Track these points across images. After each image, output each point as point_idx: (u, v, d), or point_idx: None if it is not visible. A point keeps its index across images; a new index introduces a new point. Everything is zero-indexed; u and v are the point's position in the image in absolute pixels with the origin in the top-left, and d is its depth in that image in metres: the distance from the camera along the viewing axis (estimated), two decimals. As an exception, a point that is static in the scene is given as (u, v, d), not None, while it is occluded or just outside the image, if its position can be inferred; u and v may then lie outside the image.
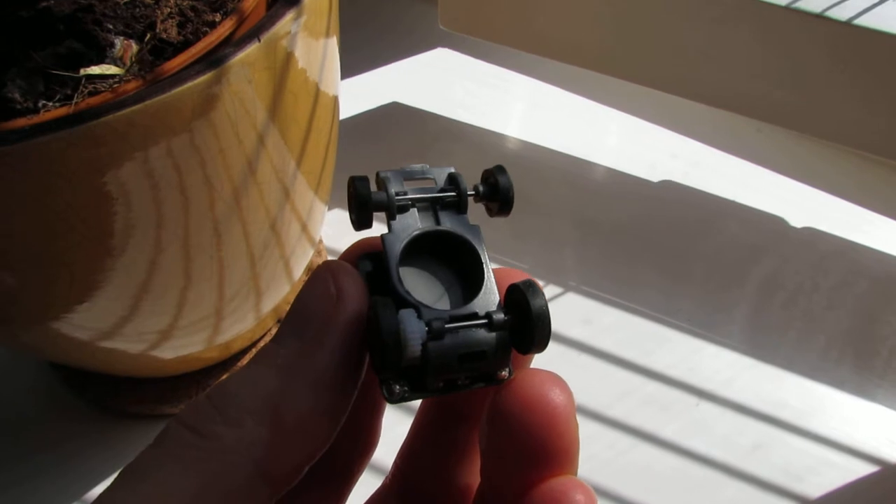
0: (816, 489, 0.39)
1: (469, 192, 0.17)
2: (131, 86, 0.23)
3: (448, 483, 0.18)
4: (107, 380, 0.40)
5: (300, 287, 0.16)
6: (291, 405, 0.14)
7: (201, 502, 0.13)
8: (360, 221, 0.16)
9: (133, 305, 0.30)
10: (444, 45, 0.63)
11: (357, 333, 0.15)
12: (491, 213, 0.17)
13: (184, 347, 0.35)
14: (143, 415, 0.40)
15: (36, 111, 0.22)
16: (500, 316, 0.15)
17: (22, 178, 0.22)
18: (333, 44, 0.32)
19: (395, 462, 0.19)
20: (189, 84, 0.22)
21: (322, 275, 0.15)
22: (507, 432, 0.14)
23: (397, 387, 0.15)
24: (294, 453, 0.14)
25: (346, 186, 0.16)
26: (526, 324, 0.15)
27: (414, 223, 0.16)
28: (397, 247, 0.16)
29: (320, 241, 0.47)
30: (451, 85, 0.61)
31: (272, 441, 0.14)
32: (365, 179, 0.16)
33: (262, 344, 0.42)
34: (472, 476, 0.18)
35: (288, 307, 0.15)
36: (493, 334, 0.15)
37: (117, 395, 0.40)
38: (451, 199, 0.16)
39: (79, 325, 0.30)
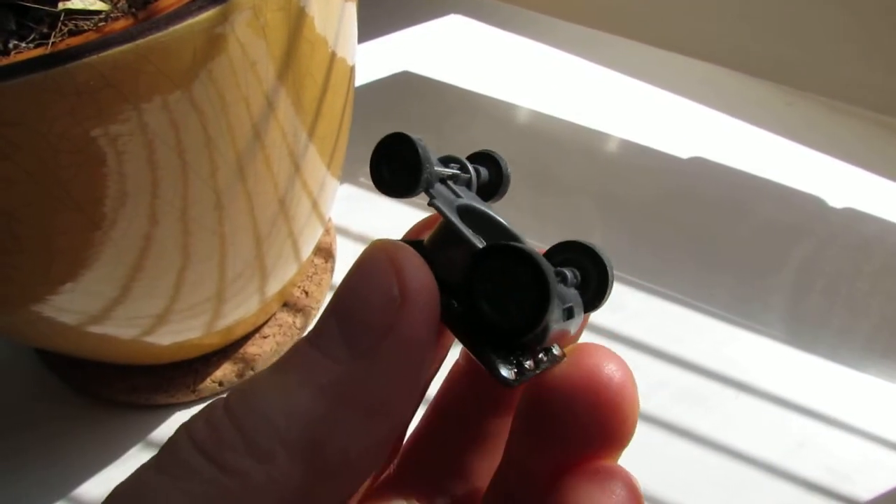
0: (866, 491, 0.37)
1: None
2: (120, 24, 0.19)
3: (458, 471, 0.16)
4: (96, 366, 0.37)
5: (347, 271, 0.12)
6: (337, 440, 0.11)
7: None
8: (410, 186, 0.14)
9: (125, 286, 0.27)
10: (456, 12, 0.60)
11: (428, 340, 0.12)
12: (485, 197, 0.17)
13: (181, 333, 0.33)
14: (135, 405, 0.37)
15: (6, 53, 0.19)
16: (572, 272, 0.14)
17: (-12, 132, 0.18)
18: (352, 7, 0.29)
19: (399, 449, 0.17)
20: (189, 22, 0.19)
21: (379, 264, 0.12)
22: (564, 408, 0.13)
23: (505, 368, 0.12)
24: (333, 496, 0.11)
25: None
26: (593, 277, 0.14)
27: (449, 195, 0.15)
28: (453, 211, 0.14)
29: (329, 220, 0.44)
30: (465, 53, 0.57)
31: (307, 482, 0.11)
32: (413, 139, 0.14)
33: (268, 330, 0.38)
34: (482, 464, 0.16)
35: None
36: (572, 289, 0.14)
37: (107, 383, 0.37)
38: (465, 178, 0.16)
39: (63, 308, 0.27)
